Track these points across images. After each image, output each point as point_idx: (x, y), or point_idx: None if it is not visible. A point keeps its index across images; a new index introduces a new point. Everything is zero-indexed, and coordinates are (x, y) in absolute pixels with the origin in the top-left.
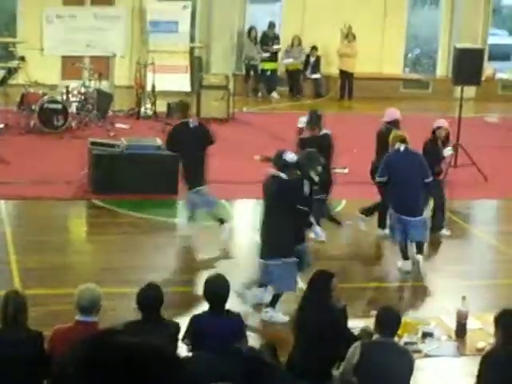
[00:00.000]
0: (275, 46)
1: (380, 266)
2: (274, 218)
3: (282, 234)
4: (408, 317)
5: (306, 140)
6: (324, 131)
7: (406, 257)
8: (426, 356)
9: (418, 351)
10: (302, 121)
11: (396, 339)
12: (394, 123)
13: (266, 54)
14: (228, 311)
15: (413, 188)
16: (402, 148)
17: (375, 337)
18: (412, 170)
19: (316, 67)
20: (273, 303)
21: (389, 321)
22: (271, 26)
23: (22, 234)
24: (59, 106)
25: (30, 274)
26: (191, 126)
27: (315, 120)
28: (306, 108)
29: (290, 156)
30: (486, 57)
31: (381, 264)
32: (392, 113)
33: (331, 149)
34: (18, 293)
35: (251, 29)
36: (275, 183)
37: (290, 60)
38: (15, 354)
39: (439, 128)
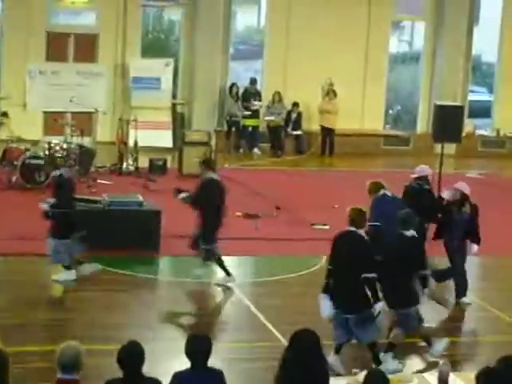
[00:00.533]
0: (256, 102)
1: None
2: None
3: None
4: (390, 374)
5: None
6: (207, 176)
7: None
8: None
9: None
10: None
11: None
12: (424, 179)
13: (247, 112)
14: (210, 368)
15: None
16: (389, 193)
17: None
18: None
19: (297, 123)
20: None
21: None
22: (253, 82)
23: (3, 291)
24: (41, 162)
25: (11, 330)
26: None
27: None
28: (287, 164)
29: None
30: (466, 113)
31: None
32: (423, 169)
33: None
34: (1, 350)
35: (233, 85)
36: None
37: (272, 117)
38: None
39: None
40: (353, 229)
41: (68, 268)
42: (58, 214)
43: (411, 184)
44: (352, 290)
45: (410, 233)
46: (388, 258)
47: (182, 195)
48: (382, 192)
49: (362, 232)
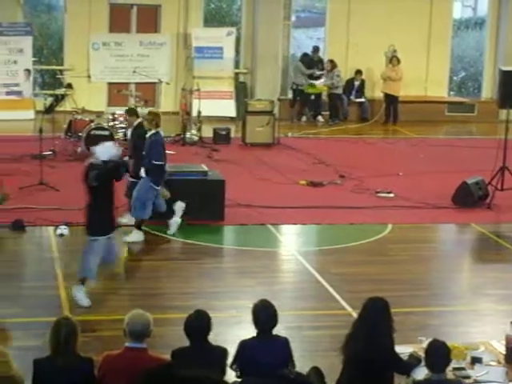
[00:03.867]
0: (317, 72)
1: (427, 290)
2: None
3: None
4: (456, 341)
5: None
6: None
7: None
8: (475, 382)
9: (467, 377)
10: None
11: None
12: None
13: (315, 81)
14: (276, 336)
15: None
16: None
17: (427, 374)
18: None
19: (360, 91)
20: None
21: (439, 356)
22: (315, 50)
23: (71, 260)
24: (106, 133)
25: None
26: None
27: None
28: (351, 132)
29: None
30: None
31: (427, 288)
32: None
33: None
34: (69, 319)
35: (304, 55)
36: None
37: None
38: (66, 381)
39: None
40: None
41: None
42: None
43: None
44: None
45: None
46: None
47: None
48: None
49: None
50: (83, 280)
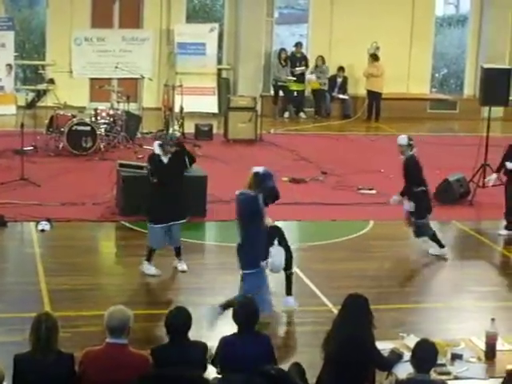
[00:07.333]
0: (298, 68)
1: (407, 287)
2: None
3: None
4: (437, 338)
5: None
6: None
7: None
8: (456, 378)
9: (447, 373)
10: None
11: None
12: None
13: (292, 78)
14: (257, 332)
15: None
16: None
17: (410, 374)
18: None
19: (343, 88)
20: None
21: (426, 357)
22: (298, 46)
23: (52, 256)
24: (88, 128)
25: (60, 295)
26: None
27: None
28: (333, 129)
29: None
30: None
31: (408, 284)
32: None
33: None
34: (50, 314)
35: (281, 50)
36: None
37: (313, 77)
38: (47, 377)
39: None
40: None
41: None
42: None
43: None
44: None
45: None
46: None
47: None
48: None
49: None
50: None
